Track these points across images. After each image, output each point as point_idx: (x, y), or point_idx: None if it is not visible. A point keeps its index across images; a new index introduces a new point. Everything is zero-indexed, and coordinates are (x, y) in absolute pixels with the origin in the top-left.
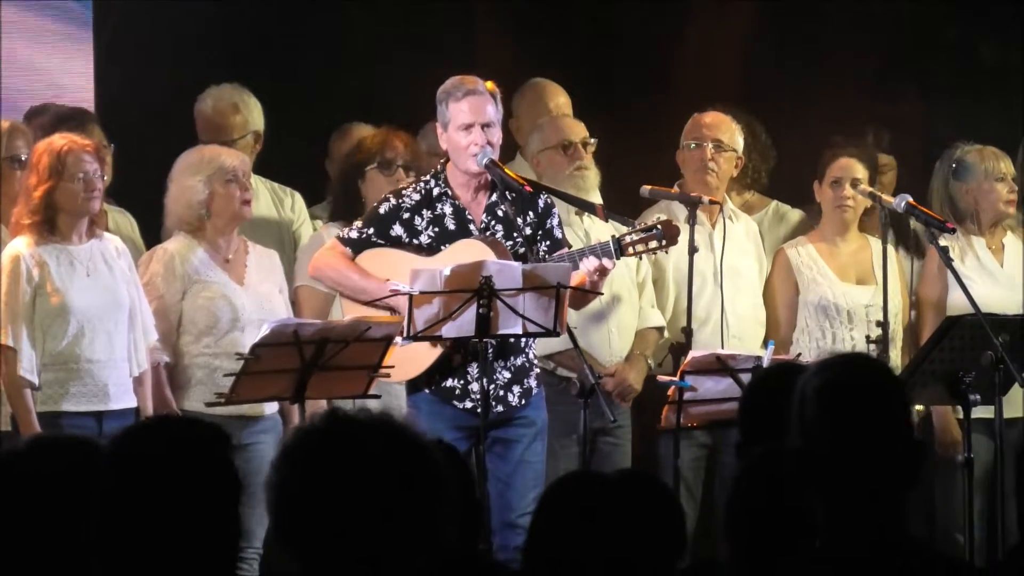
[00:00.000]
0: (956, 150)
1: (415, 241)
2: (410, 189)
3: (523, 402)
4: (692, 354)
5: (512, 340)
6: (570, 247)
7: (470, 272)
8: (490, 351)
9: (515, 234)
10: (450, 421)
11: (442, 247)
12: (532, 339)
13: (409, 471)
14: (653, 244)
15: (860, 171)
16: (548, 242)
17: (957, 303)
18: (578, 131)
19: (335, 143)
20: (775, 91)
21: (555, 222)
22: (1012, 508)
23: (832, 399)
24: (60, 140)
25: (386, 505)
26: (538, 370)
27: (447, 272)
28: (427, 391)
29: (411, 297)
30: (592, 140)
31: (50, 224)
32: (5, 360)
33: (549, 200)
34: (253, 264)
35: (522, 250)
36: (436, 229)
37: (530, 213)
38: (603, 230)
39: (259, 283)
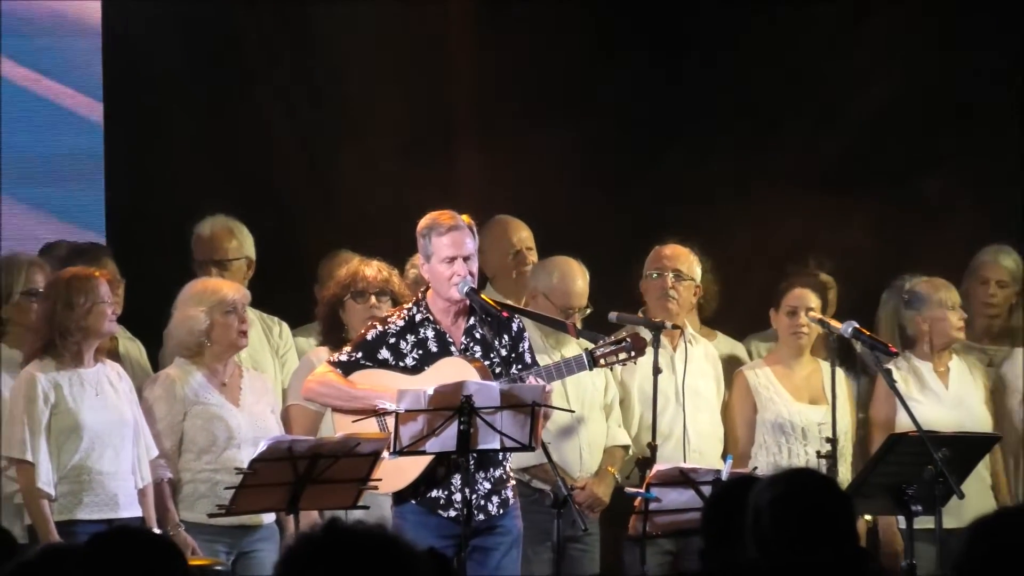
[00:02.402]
0: (905, 282)
1: (401, 363)
2: (395, 316)
3: (501, 512)
4: (657, 467)
5: (491, 454)
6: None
7: (452, 392)
8: (471, 463)
9: (492, 354)
10: (435, 530)
11: (425, 367)
12: (509, 453)
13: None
14: (623, 356)
15: (813, 300)
16: (520, 365)
17: (905, 421)
18: (582, 300)
19: (324, 268)
20: (733, 224)
21: (526, 345)
22: None
23: (782, 511)
24: (86, 269)
25: None
26: (514, 482)
27: (431, 392)
28: (413, 502)
29: (397, 415)
30: (589, 310)
31: (77, 347)
32: (23, 475)
33: (521, 324)
34: (247, 386)
35: (499, 370)
36: (420, 352)
37: (505, 336)
38: (577, 351)
39: (253, 404)
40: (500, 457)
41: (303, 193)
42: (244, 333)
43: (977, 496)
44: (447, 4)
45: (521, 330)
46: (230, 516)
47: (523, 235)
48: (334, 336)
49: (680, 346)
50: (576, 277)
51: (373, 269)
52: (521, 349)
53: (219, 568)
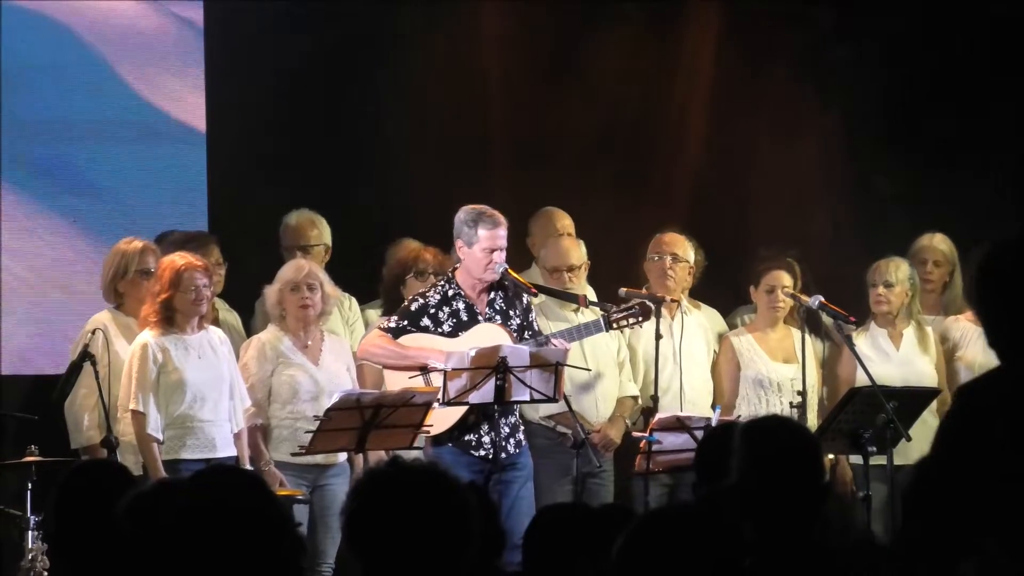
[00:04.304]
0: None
1: (439, 329)
2: (432, 291)
3: (518, 451)
4: (658, 416)
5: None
6: (541, 332)
7: (490, 353)
8: (496, 412)
9: (508, 322)
10: (468, 467)
11: (459, 333)
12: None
13: (447, 504)
14: (632, 320)
15: (787, 280)
16: (530, 331)
17: (864, 377)
18: (566, 260)
19: (389, 251)
20: (719, 214)
21: (533, 316)
22: None
23: (759, 449)
24: (180, 260)
25: (429, 527)
26: (523, 427)
27: (473, 353)
28: (449, 444)
29: (446, 372)
30: (584, 263)
31: (170, 320)
32: (137, 422)
33: (528, 300)
34: (327, 348)
35: (515, 334)
36: (454, 320)
37: (518, 307)
38: (591, 317)
39: (331, 363)
40: (515, 407)
41: (369, 192)
42: (305, 306)
43: (923, 439)
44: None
45: (529, 303)
46: (309, 455)
47: (565, 223)
48: (394, 307)
49: (677, 316)
50: (558, 244)
51: (431, 254)
52: (531, 319)
53: (300, 498)
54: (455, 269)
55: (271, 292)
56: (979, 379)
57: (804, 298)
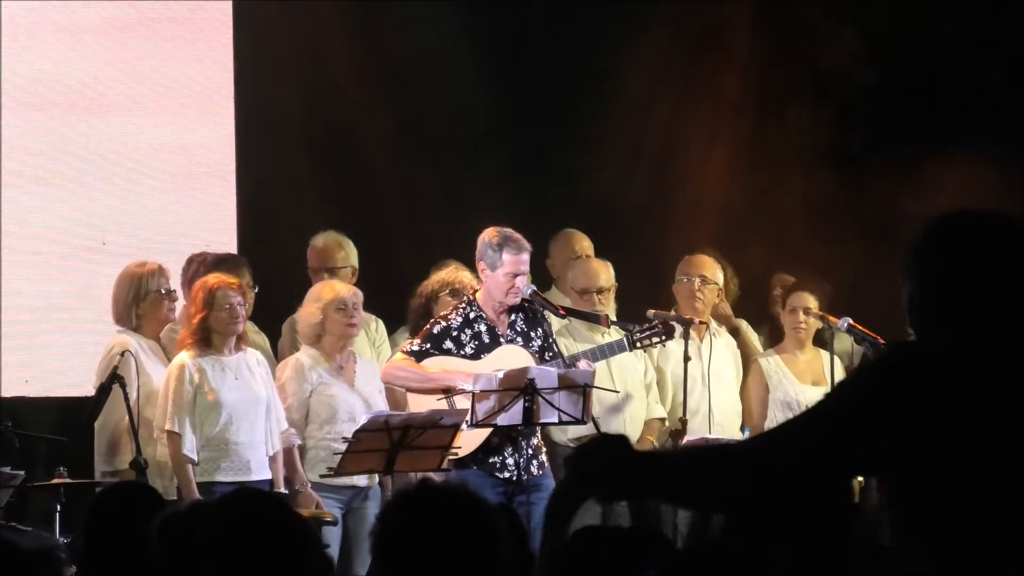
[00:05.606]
0: None
1: (461, 352)
2: (454, 314)
3: (540, 472)
4: (687, 438)
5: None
6: (561, 354)
7: (518, 375)
8: (518, 435)
9: (529, 344)
10: (492, 489)
11: (482, 355)
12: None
13: (477, 526)
14: (656, 339)
15: (812, 301)
16: (551, 353)
17: None
18: (601, 280)
19: (434, 273)
20: (745, 236)
21: (553, 337)
22: None
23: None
24: (213, 279)
25: (459, 550)
26: (544, 449)
27: (501, 375)
28: (474, 467)
29: (473, 394)
30: (613, 285)
31: (207, 341)
32: (172, 443)
33: (549, 323)
34: (360, 371)
35: (536, 355)
36: (476, 343)
37: (539, 329)
38: (616, 337)
39: (364, 385)
40: (536, 429)
41: (396, 214)
42: (352, 326)
43: None
44: None
45: (549, 325)
46: (338, 477)
47: (584, 244)
48: (423, 325)
49: (706, 338)
50: (587, 266)
51: (468, 275)
52: (551, 340)
53: (328, 520)
54: (475, 291)
55: (309, 313)
56: (920, 343)
57: (832, 319)
